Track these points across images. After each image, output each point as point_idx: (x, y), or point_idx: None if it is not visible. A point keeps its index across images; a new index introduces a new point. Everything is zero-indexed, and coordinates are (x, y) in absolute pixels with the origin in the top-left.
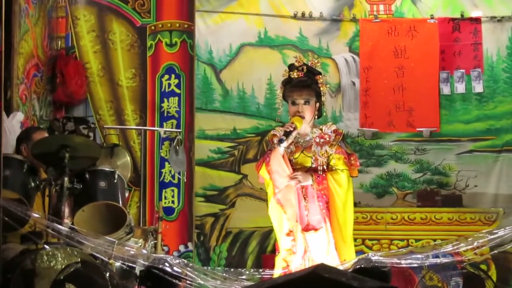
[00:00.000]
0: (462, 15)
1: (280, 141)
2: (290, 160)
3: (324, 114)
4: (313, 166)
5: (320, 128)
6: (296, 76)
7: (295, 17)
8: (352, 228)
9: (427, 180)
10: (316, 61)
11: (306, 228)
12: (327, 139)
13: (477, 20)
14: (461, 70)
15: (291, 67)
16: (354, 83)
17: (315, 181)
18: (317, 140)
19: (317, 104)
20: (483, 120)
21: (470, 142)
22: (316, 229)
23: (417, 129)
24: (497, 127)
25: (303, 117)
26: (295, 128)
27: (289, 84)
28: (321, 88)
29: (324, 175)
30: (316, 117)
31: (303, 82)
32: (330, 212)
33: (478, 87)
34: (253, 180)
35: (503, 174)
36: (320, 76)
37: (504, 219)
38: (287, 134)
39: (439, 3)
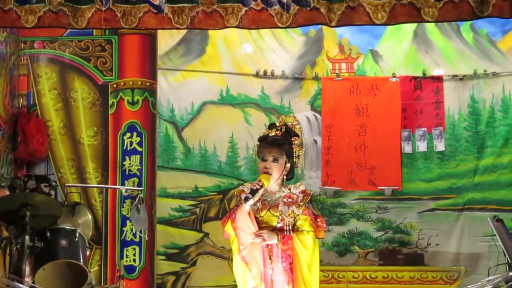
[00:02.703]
0: (424, 74)
1: (246, 198)
2: (256, 218)
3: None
4: (279, 225)
5: (289, 188)
6: (273, 134)
7: (257, 75)
8: None
9: (389, 238)
10: (295, 123)
11: None
12: (295, 199)
13: (438, 79)
14: (423, 129)
15: (271, 126)
16: (316, 141)
17: (280, 241)
18: (285, 199)
19: (288, 165)
20: (445, 178)
21: (432, 200)
22: None
23: (379, 187)
24: (458, 185)
25: (270, 174)
26: (262, 186)
27: (263, 141)
28: (294, 149)
29: (290, 234)
30: (285, 177)
31: (276, 140)
32: (294, 273)
33: (440, 146)
34: (215, 239)
35: (464, 232)
36: (296, 138)
37: (465, 278)
38: (253, 192)
39: (401, 61)
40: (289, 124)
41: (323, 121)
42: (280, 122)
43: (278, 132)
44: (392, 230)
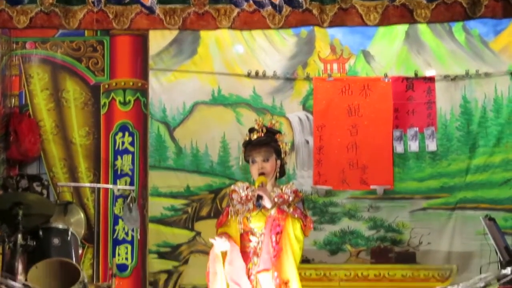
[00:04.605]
0: (415, 74)
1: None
2: (246, 218)
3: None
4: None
5: (281, 188)
6: (256, 137)
7: (248, 75)
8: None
9: (381, 237)
10: (274, 121)
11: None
12: (286, 198)
13: (430, 79)
14: (415, 129)
15: (251, 130)
16: (307, 141)
17: (276, 209)
18: (276, 199)
19: (278, 162)
20: (437, 178)
21: (424, 199)
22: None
23: (371, 186)
24: (450, 184)
25: (265, 174)
26: (263, 186)
27: (249, 145)
28: (281, 146)
29: (286, 211)
30: (278, 175)
31: (261, 141)
32: (280, 244)
33: (432, 146)
34: (206, 237)
35: (456, 231)
36: (280, 134)
37: (457, 276)
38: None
39: (393, 62)
40: (268, 123)
41: (314, 121)
42: (258, 124)
43: (260, 133)
44: (384, 229)
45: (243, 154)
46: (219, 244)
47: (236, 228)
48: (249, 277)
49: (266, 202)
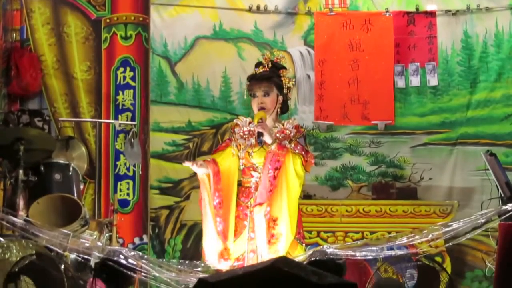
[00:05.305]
0: (417, 9)
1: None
2: (248, 153)
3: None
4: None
5: (282, 123)
6: (261, 71)
7: (250, 10)
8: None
9: (382, 172)
10: (281, 56)
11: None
12: (288, 133)
13: (432, 14)
14: (416, 63)
15: (258, 64)
16: (309, 76)
17: (276, 145)
18: (278, 135)
19: (280, 98)
20: (438, 113)
21: (425, 135)
22: (261, 204)
23: (372, 122)
24: (451, 120)
25: (265, 109)
26: (263, 121)
27: (252, 79)
28: (284, 81)
29: (286, 147)
30: (279, 111)
31: (264, 76)
32: (277, 181)
33: (433, 80)
34: None
35: (457, 167)
36: (284, 70)
37: (458, 212)
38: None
39: None
40: (274, 59)
41: (316, 56)
42: (265, 59)
43: (265, 68)
44: (385, 165)
45: (247, 88)
46: (195, 170)
47: (228, 160)
48: (250, 212)
49: (267, 138)
